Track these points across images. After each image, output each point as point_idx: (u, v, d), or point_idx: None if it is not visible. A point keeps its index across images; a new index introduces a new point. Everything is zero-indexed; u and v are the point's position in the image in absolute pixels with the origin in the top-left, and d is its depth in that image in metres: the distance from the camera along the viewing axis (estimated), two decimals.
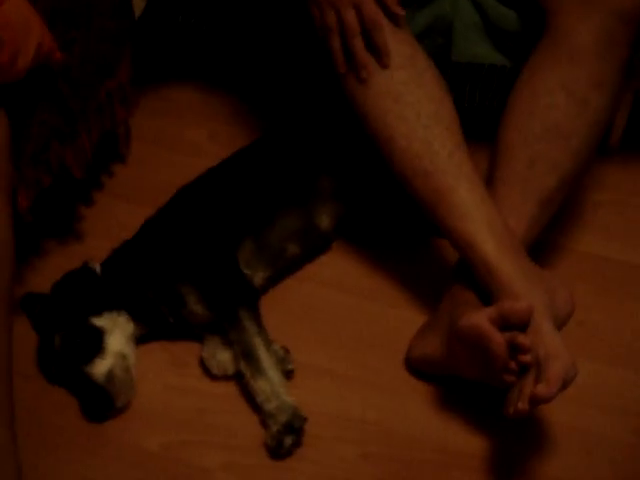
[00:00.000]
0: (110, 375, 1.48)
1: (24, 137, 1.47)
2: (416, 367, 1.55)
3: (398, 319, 1.63)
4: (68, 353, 1.50)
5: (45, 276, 1.67)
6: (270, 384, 1.46)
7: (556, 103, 1.52)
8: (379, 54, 1.47)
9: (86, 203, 1.81)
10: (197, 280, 1.55)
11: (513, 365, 1.36)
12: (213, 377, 1.54)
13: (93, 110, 1.63)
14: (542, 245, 1.62)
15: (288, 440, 1.44)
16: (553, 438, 1.48)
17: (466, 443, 1.48)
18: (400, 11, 1.46)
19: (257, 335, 1.50)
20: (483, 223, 1.46)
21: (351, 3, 1.44)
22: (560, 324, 1.46)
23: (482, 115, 1.76)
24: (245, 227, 1.61)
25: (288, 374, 1.52)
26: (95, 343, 1.50)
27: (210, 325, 1.55)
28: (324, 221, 1.67)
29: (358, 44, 1.47)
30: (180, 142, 1.94)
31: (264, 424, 1.47)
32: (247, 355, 1.48)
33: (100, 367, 1.48)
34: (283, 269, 1.66)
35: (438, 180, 1.48)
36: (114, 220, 1.78)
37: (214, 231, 1.60)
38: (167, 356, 1.58)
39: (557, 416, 1.50)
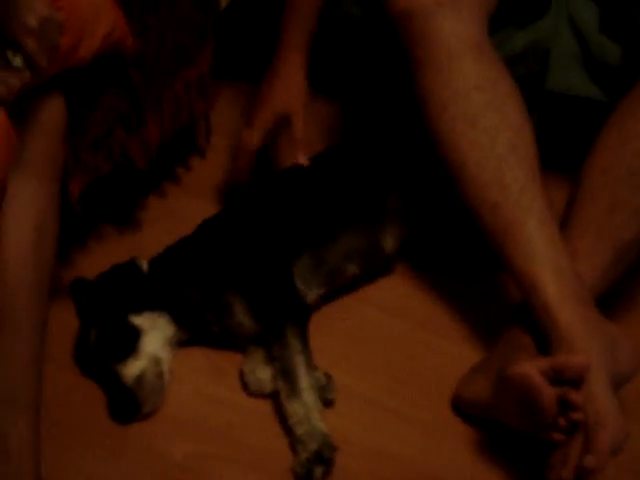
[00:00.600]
0: (140, 378, 1.43)
1: (88, 121, 1.43)
2: (463, 409, 1.47)
3: (451, 354, 1.55)
4: (101, 349, 1.46)
5: (97, 261, 1.64)
6: (304, 407, 1.39)
7: None
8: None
9: (157, 194, 1.77)
10: (247, 290, 1.48)
11: (563, 422, 1.27)
12: (250, 393, 1.48)
13: (167, 101, 1.58)
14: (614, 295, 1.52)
15: (319, 471, 1.37)
16: None
17: None
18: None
19: (299, 354, 1.43)
20: (549, 265, 1.37)
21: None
22: (621, 381, 1.37)
23: (570, 149, 1.66)
24: (305, 240, 1.54)
25: (328, 403, 1.45)
26: (130, 342, 1.45)
27: (255, 338, 1.49)
28: (389, 243, 1.59)
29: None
30: None
31: (293, 449, 1.40)
32: (285, 373, 1.42)
33: (132, 369, 1.43)
34: (339, 288, 1.59)
35: (507, 213, 1.40)
36: (179, 214, 1.74)
37: (272, 240, 1.54)
38: (205, 362, 1.52)
39: None
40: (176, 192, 1.79)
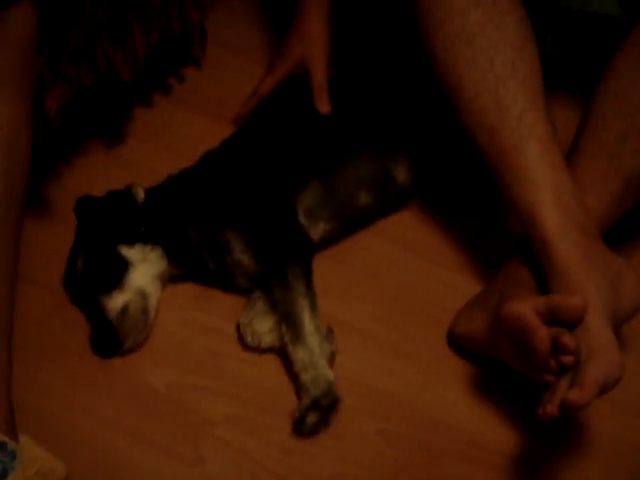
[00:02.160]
0: (124, 312, 1.37)
1: (68, 31, 1.34)
2: (458, 343, 1.41)
3: (450, 285, 1.48)
4: (87, 278, 1.39)
5: (83, 177, 1.59)
6: (309, 352, 1.32)
7: None
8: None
9: (148, 106, 1.69)
10: (246, 226, 1.40)
11: (553, 364, 1.20)
12: (245, 346, 1.40)
13: (156, 9, 1.49)
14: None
15: (311, 418, 1.30)
16: (595, 450, 1.33)
17: (495, 438, 1.33)
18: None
19: (303, 297, 1.35)
20: (549, 194, 1.29)
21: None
22: (624, 317, 1.30)
23: (587, 69, 1.56)
24: (314, 166, 1.45)
25: (329, 357, 1.37)
26: (117, 274, 1.38)
27: (255, 279, 1.41)
28: (401, 173, 1.50)
29: None
30: (261, 52, 1.79)
31: (297, 395, 1.34)
32: (288, 317, 1.34)
33: (116, 301, 1.37)
34: (350, 222, 1.50)
35: (504, 138, 1.31)
36: (172, 128, 1.67)
37: (276, 170, 1.45)
38: (190, 286, 1.46)
39: (606, 426, 1.34)
40: (170, 105, 1.70)
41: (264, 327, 1.38)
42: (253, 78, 1.68)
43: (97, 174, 1.58)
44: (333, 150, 1.46)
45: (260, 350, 1.38)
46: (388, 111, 1.51)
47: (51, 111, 1.33)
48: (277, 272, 1.37)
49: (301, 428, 1.31)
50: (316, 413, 1.30)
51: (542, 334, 1.19)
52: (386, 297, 1.47)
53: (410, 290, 1.48)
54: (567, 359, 1.19)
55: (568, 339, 1.18)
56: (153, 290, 1.40)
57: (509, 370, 1.31)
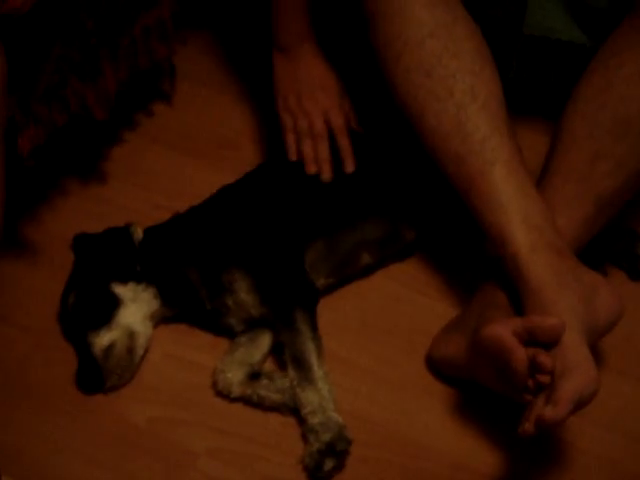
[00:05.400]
0: (109, 350, 1.37)
1: (38, 72, 1.35)
2: (437, 367, 1.42)
3: (427, 310, 1.49)
4: (77, 314, 1.39)
5: (63, 217, 1.59)
6: (319, 396, 1.32)
7: (632, 95, 1.35)
8: (343, 155, 1.51)
9: (113, 143, 1.69)
10: (255, 267, 1.40)
11: (531, 384, 1.22)
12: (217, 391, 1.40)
13: (124, 47, 1.50)
14: None
15: (329, 463, 1.30)
16: (574, 467, 1.34)
17: (477, 460, 1.34)
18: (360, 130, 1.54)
19: (311, 341, 1.35)
20: (517, 215, 1.30)
21: (321, 113, 1.51)
22: (600, 331, 1.31)
23: (552, 94, 1.58)
24: (322, 225, 1.46)
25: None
26: (106, 311, 1.38)
27: (251, 321, 1.42)
28: (409, 233, 1.51)
29: (323, 145, 1.51)
30: (232, 85, 1.81)
31: (305, 439, 1.33)
32: (297, 361, 1.34)
33: (102, 339, 1.37)
34: (348, 279, 1.50)
35: (470, 164, 1.33)
36: (144, 164, 1.68)
37: (288, 220, 1.45)
38: (172, 322, 1.46)
39: (584, 442, 1.36)
40: (142, 141, 1.71)
41: (236, 378, 1.38)
42: (223, 110, 1.71)
43: (75, 213, 1.58)
44: (342, 210, 1.47)
45: (230, 399, 1.38)
46: (399, 173, 1.52)
47: (24, 152, 1.33)
48: (285, 315, 1.37)
49: (319, 475, 1.30)
50: (332, 459, 1.30)
51: (520, 355, 1.20)
52: (366, 325, 1.48)
53: (390, 317, 1.49)
54: (544, 378, 1.20)
55: (545, 358, 1.19)
56: (143, 329, 1.40)
57: (488, 392, 1.32)
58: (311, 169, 1.50)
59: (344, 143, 1.52)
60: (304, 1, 1.53)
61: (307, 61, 1.55)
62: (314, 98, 1.54)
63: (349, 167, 1.51)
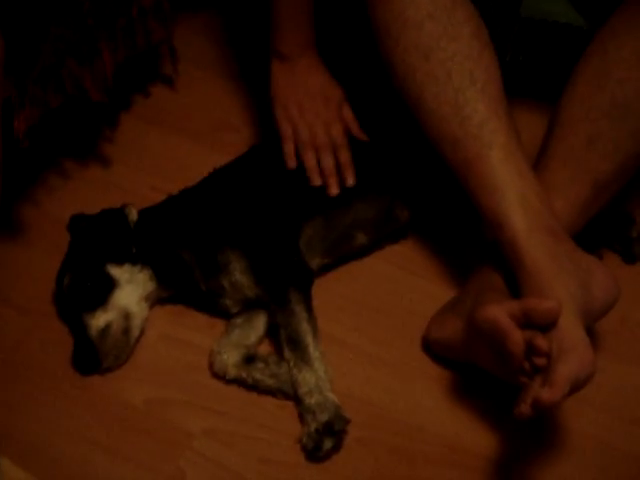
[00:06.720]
0: (105, 331, 1.36)
1: (35, 53, 1.35)
2: (433, 349, 1.42)
3: (423, 292, 1.49)
4: (72, 295, 1.39)
5: (60, 198, 1.60)
6: (315, 376, 1.33)
7: (630, 78, 1.35)
8: (343, 170, 1.48)
9: (112, 125, 1.69)
10: (250, 248, 1.40)
11: (527, 366, 1.22)
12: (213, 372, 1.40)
13: (121, 28, 1.50)
14: None
15: (328, 443, 1.30)
16: (569, 449, 1.34)
17: (473, 442, 1.34)
18: (364, 137, 1.52)
19: (307, 322, 1.36)
20: (514, 198, 1.30)
21: (323, 125, 1.50)
22: (597, 314, 1.31)
23: (550, 77, 1.58)
24: (318, 203, 1.46)
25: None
26: (102, 293, 1.37)
27: (247, 302, 1.42)
28: (404, 213, 1.51)
29: (327, 157, 1.49)
30: (231, 67, 1.81)
31: (301, 419, 1.34)
32: (293, 342, 1.34)
33: (98, 320, 1.36)
34: (343, 258, 1.51)
35: (467, 148, 1.33)
36: (142, 146, 1.68)
37: (282, 200, 1.46)
38: (169, 303, 1.46)
39: (580, 424, 1.36)
40: (141, 123, 1.71)
41: (232, 360, 1.38)
42: (221, 92, 1.70)
43: (72, 195, 1.58)
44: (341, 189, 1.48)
45: (225, 381, 1.38)
46: (397, 153, 1.52)
47: (19, 132, 1.33)
48: (279, 296, 1.37)
49: (318, 455, 1.31)
50: (331, 438, 1.30)
51: (516, 337, 1.20)
52: (362, 306, 1.48)
53: (385, 298, 1.49)
54: (540, 361, 1.20)
55: (541, 341, 1.20)
56: (138, 311, 1.40)
57: (484, 373, 1.32)
58: (316, 181, 1.48)
59: (344, 158, 1.50)
60: (307, 12, 1.52)
61: (308, 71, 1.54)
62: (315, 109, 1.52)
63: (349, 182, 1.49)
